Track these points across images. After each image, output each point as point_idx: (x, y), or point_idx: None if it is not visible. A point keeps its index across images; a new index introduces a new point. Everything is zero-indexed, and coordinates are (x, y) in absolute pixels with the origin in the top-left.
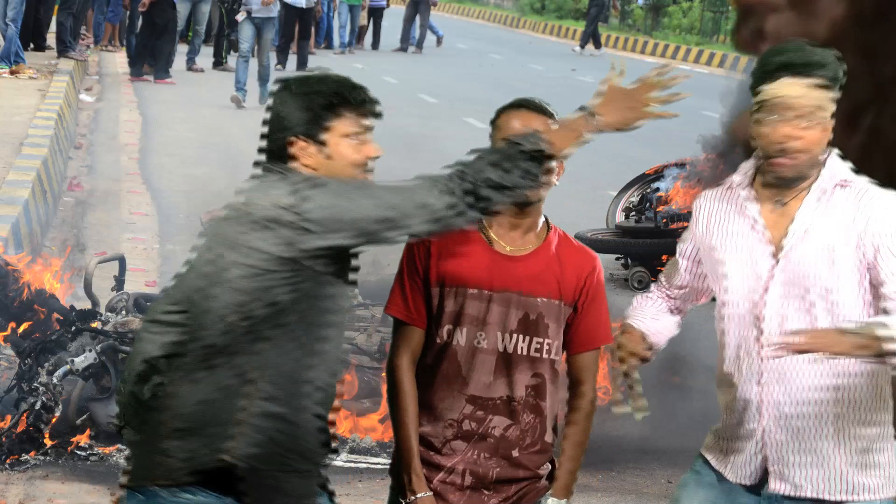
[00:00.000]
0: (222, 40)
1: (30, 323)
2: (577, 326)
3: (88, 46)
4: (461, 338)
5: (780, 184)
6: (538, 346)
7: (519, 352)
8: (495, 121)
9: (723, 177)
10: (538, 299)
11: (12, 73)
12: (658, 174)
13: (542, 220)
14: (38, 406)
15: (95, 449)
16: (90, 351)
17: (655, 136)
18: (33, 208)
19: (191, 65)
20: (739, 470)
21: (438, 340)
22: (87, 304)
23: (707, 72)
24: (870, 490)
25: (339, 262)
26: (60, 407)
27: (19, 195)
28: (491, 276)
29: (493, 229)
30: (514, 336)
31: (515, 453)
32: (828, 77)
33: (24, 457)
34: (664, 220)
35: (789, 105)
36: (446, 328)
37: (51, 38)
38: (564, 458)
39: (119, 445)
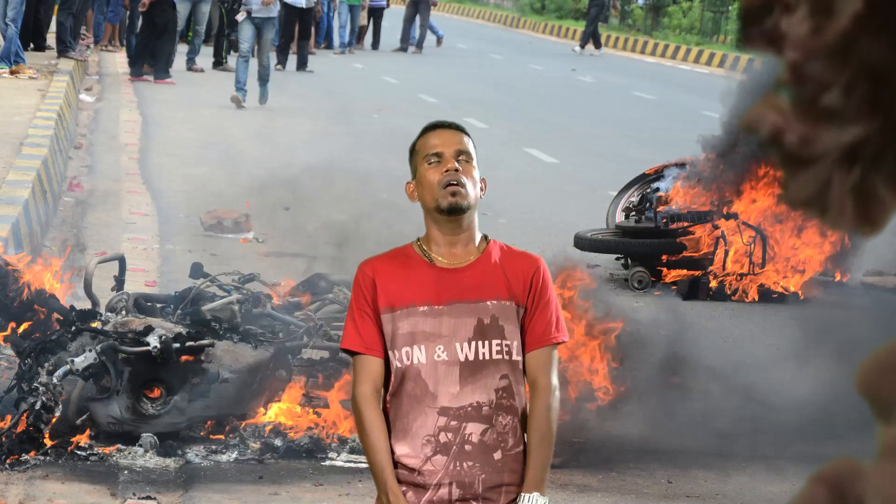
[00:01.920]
0: (222, 40)
1: (30, 323)
2: (529, 325)
3: (88, 46)
4: (421, 356)
5: None
6: (498, 349)
7: (481, 357)
8: (413, 149)
9: (723, 177)
10: (488, 303)
11: (12, 73)
12: (658, 174)
13: (479, 234)
14: (38, 406)
15: (95, 449)
16: (90, 351)
17: (655, 136)
18: (33, 208)
19: (191, 65)
20: None
21: (399, 364)
22: (87, 304)
23: (707, 72)
24: None
25: None
26: (60, 407)
27: (19, 195)
28: (438, 290)
29: (432, 249)
30: (473, 343)
31: (497, 455)
32: None
33: (24, 457)
34: (664, 220)
35: None
36: (405, 350)
37: (51, 38)
38: (532, 452)
39: (119, 445)
